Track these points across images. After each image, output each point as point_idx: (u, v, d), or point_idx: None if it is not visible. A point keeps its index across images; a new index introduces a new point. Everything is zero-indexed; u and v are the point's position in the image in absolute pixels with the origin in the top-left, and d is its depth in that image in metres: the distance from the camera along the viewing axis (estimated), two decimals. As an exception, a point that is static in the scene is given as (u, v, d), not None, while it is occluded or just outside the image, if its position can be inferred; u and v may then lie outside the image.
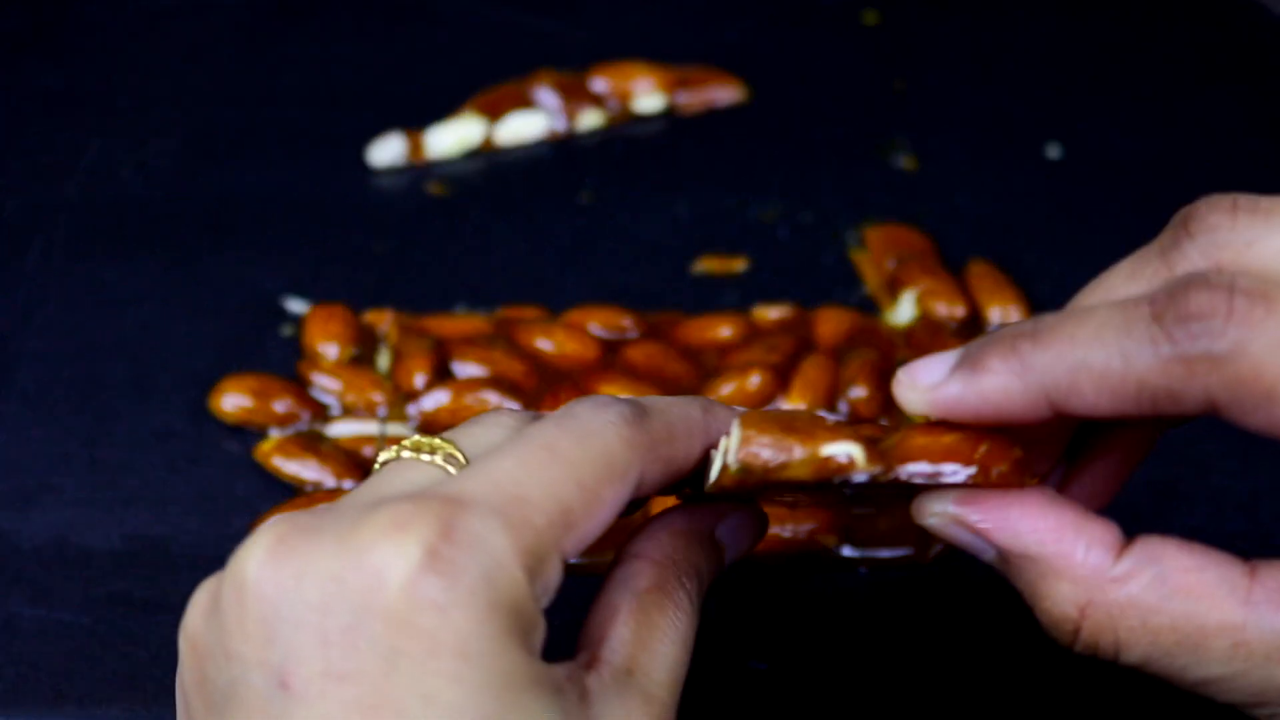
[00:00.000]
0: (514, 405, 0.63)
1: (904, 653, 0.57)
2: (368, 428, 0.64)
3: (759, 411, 0.44)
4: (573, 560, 0.42)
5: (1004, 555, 0.44)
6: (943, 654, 0.57)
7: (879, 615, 0.58)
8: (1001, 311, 0.68)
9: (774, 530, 0.59)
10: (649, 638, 0.44)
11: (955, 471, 0.43)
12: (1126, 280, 0.43)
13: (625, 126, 0.78)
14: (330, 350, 0.66)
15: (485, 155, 0.77)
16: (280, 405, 0.64)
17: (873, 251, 0.71)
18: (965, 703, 0.56)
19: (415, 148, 0.76)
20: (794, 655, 0.57)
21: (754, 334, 0.67)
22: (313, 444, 0.63)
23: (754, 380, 0.64)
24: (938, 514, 0.44)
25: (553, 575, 0.41)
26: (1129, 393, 0.41)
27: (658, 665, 0.44)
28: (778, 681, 0.56)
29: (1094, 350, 0.41)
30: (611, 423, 0.43)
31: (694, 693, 0.55)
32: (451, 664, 0.39)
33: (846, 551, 0.60)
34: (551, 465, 0.42)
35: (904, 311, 0.68)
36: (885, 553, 0.60)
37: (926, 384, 0.43)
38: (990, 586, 0.58)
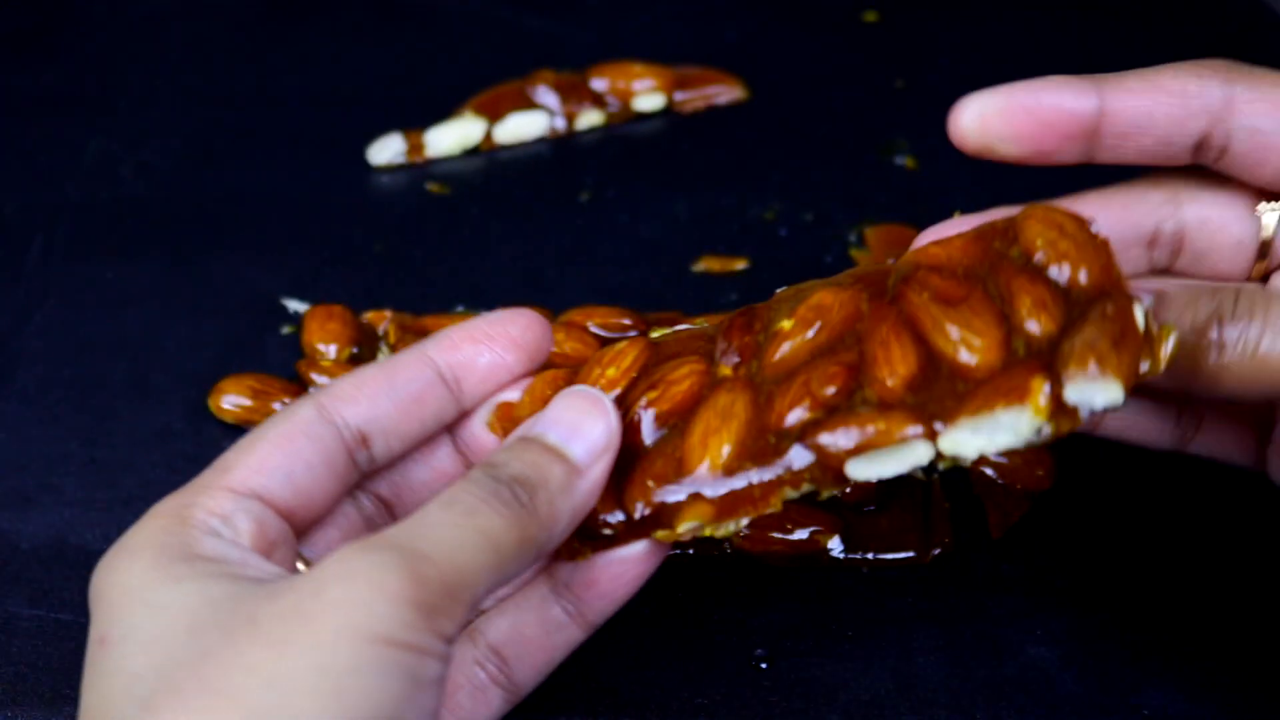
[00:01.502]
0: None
1: (903, 652, 0.57)
2: (367, 428, 0.64)
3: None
4: None
5: None
6: (942, 654, 0.57)
7: (879, 615, 0.58)
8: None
9: (775, 533, 0.60)
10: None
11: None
12: None
13: (625, 126, 0.78)
14: (330, 350, 0.66)
15: (485, 155, 0.77)
16: (280, 405, 0.64)
17: (873, 251, 0.71)
18: (965, 702, 0.56)
19: (415, 147, 0.76)
20: (795, 654, 0.57)
21: (754, 334, 0.67)
22: (312, 444, 0.63)
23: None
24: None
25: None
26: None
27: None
28: (778, 680, 0.56)
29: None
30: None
31: (696, 692, 0.56)
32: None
33: (846, 552, 0.60)
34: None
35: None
36: (886, 554, 0.60)
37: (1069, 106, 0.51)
38: (990, 587, 0.58)
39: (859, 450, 0.46)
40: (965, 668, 0.57)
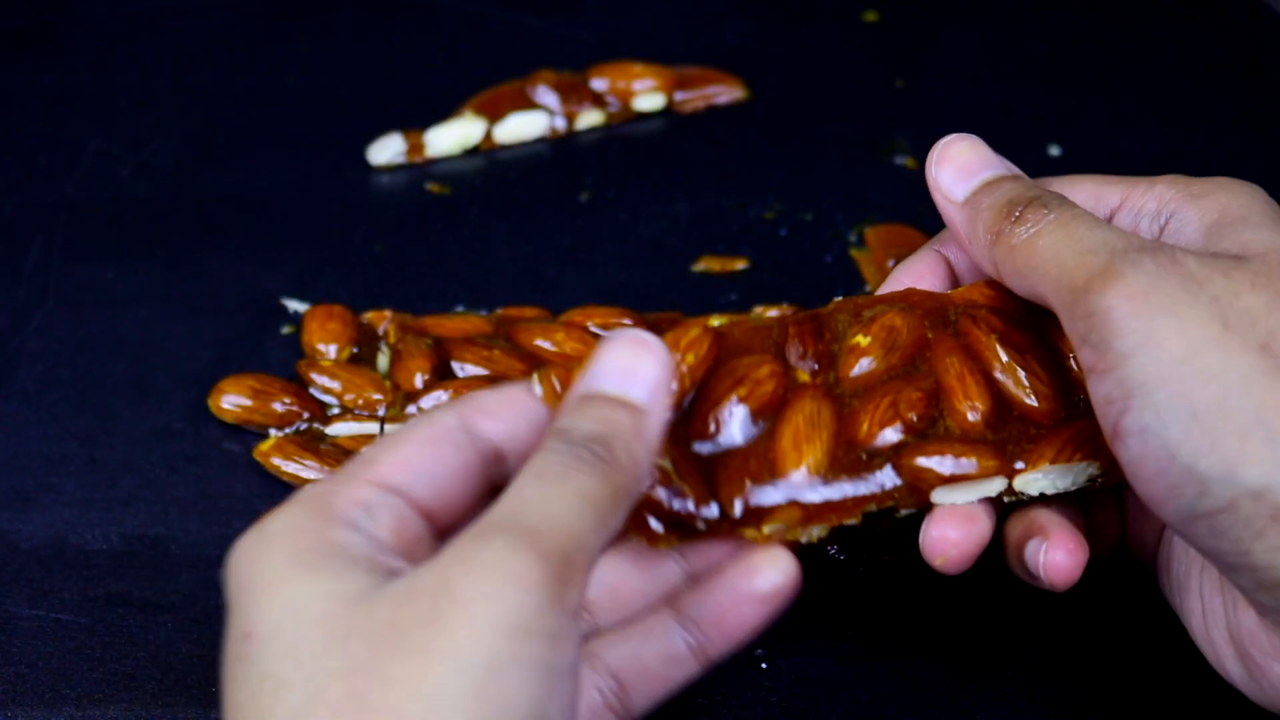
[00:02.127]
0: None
1: (904, 651, 0.57)
2: (367, 428, 0.64)
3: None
4: None
5: None
6: (942, 652, 0.57)
7: (879, 615, 0.58)
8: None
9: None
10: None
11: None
12: None
13: (625, 126, 0.78)
14: (330, 350, 0.66)
15: (485, 155, 0.77)
16: (280, 405, 0.64)
17: (873, 251, 0.71)
18: (965, 703, 0.56)
19: (415, 147, 0.76)
20: (795, 654, 0.57)
21: (754, 334, 0.67)
22: (312, 444, 0.63)
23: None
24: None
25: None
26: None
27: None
28: (778, 680, 0.56)
29: None
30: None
31: (696, 691, 0.55)
32: None
33: (846, 552, 0.60)
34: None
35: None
36: (886, 554, 0.60)
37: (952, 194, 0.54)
38: (990, 587, 0.58)
39: (951, 480, 0.50)
40: (965, 668, 0.57)
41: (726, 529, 0.49)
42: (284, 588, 0.44)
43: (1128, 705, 0.55)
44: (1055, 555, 0.50)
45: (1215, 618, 0.50)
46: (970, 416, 0.50)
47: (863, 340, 0.51)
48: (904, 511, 0.50)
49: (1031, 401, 0.51)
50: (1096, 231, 0.49)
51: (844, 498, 0.49)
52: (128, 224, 0.73)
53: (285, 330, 0.68)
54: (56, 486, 0.62)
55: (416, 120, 0.77)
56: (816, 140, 0.78)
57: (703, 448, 0.50)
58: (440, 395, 0.63)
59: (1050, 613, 0.58)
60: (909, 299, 0.53)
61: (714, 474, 0.49)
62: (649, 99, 0.78)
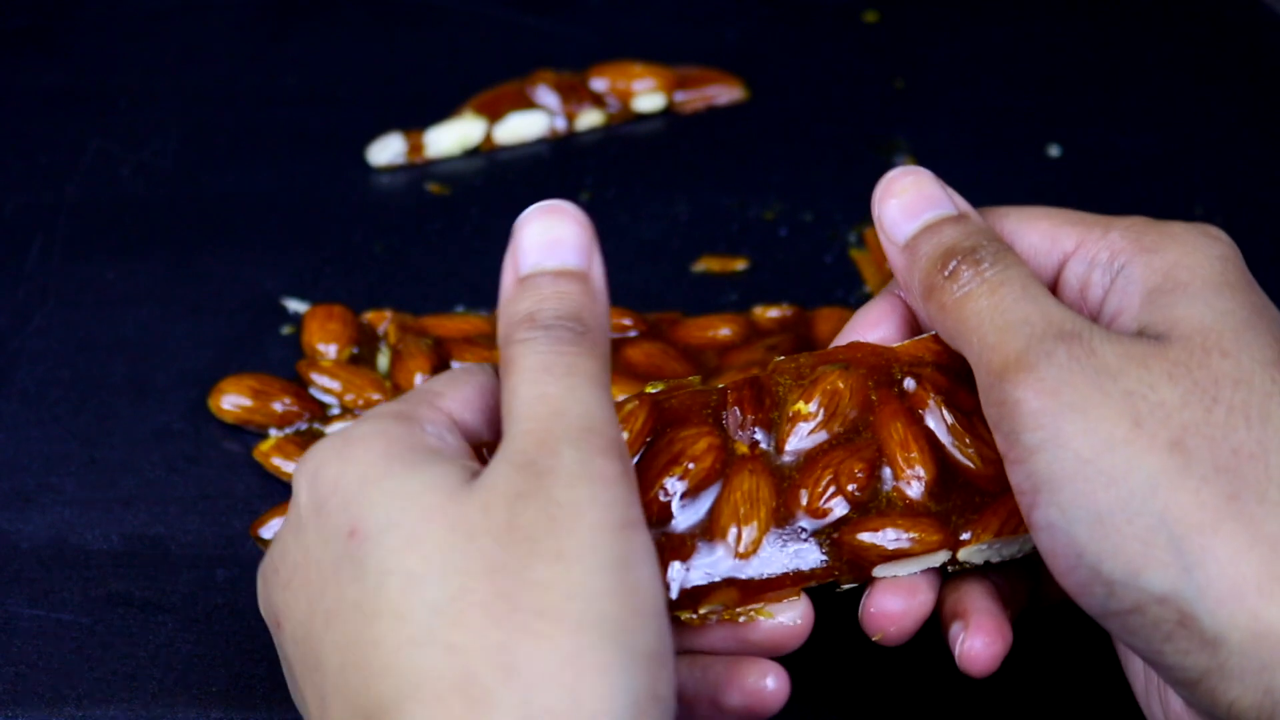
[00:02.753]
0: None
1: (904, 652, 0.57)
2: (367, 428, 0.64)
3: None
4: None
5: None
6: (942, 654, 0.57)
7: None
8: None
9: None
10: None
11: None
12: None
13: (625, 126, 0.78)
14: (330, 350, 0.66)
15: (485, 155, 0.77)
16: (280, 405, 0.64)
17: (873, 251, 0.71)
18: (965, 703, 0.56)
19: (415, 148, 0.76)
20: (795, 653, 0.57)
21: (754, 334, 0.67)
22: (312, 444, 0.63)
23: (754, 380, 0.64)
24: None
25: None
26: None
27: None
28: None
29: None
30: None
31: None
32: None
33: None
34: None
35: (904, 311, 0.68)
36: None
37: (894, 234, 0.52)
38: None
39: (894, 556, 0.49)
40: (965, 673, 0.57)
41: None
42: (385, 483, 0.44)
43: (1127, 699, 0.55)
44: (973, 643, 0.50)
45: (1152, 686, 0.50)
46: (912, 490, 0.49)
47: (803, 407, 0.50)
48: (846, 585, 0.50)
49: (976, 467, 0.49)
50: (1021, 305, 0.48)
51: (783, 574, 0.48)
52: (128, 224, 0.73)
53: (285, 330, 0.68)
54: (57, 486, 0.62)
55: (416, 120, 0.77)
56: (816, 140, 0.78)
57: None
58: (440, 395, 0.63)
59: (1049, 611, 0.58)
60: (853, 355, 0.51)
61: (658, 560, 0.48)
62: (649, 99, 0.78)
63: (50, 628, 0.57)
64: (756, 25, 0.83)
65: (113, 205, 0.73)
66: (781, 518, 0.49)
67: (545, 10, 0.83)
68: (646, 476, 0.49)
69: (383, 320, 0.67)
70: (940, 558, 0.49)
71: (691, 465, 0.49)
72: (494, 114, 0.77)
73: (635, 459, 0.49)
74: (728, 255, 0.72)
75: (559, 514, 0.43)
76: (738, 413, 0.50)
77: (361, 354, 0.66)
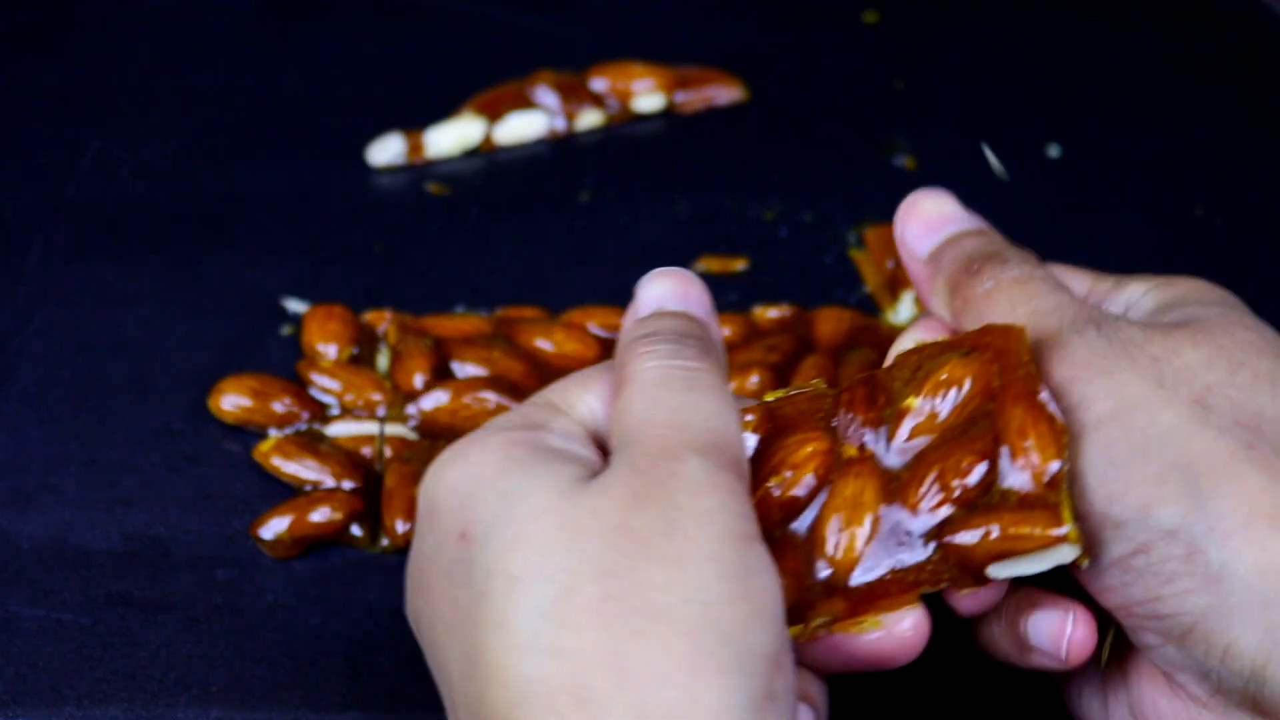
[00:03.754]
0: (514, 405, 0.63)
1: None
2: (367, 428, 0.64)
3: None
4: None
5: None
6: (942, 653, 0.57)
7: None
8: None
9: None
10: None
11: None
12: None
13: (625, 126, 0.78)
14: (330, 350, 0.66)
15: (485, 155, 0.77)
16: (280, 405, 0.64)
17: (873, 251, 0.71)
18: (964, 702, 0.56)
19: (415, 148, 0.76)
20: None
21: (754, 334, 0.67)
22: (312, 444, 0.63)
23: (754, 380, 0.64)
24: None
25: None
26: None
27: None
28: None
29: None
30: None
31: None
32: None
33: None
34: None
35: (904, 311, 0.68)
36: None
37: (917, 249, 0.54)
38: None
39: (1002, 555, 0.45)
40: (965, 667, 0.57)
41: None
42: (499, 483, 0.44)
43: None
44: (1080, 631, 0.48)
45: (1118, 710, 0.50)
46: (1030, 480, 0.45)
47: (913, 402, 0.47)
48: (967, 592, 0.47)
49: None
50: (1053, 295, 0.49)
51: (889, 581, 0.46)
52: (128, 224, 0.73)
53: (285, 330, 0.68)
54: (57, 486, 0.62)
55: (416, 120, 0.77)
56: (816, 140, 0.78)
57: None
58: (440, 395, 0.63)
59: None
60: (980, 341, 0.48)
61: None
62: (649, 99, 0.78)
63: (50, 628, 0.57)
64: (756, 25, 0.83)
65: (113, 205, 0.73)
66: (890, 523, 0.46)
67: (545, 10, 0.83)
68: (751, 486, 0.46)
69: (383, 320, 0.67)
70: (1066, 553, 0.45)
71: (789, 473, 0.47)
72: (494, 114, 0.77)
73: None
74: (728, 255, 0.72)
75: (680, 519, 0.42)
76: (848, 414, 0.48)
77: (361, 354, 0.66)
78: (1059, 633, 0.48)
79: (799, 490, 0.47)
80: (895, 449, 0.47)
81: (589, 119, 0.78)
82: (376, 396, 0.64)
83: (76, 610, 0.58)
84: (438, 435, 0.63)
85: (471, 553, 0.43)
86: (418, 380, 0.64)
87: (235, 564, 0.60)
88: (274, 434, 0.64)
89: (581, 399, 0.48)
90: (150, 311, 0.69)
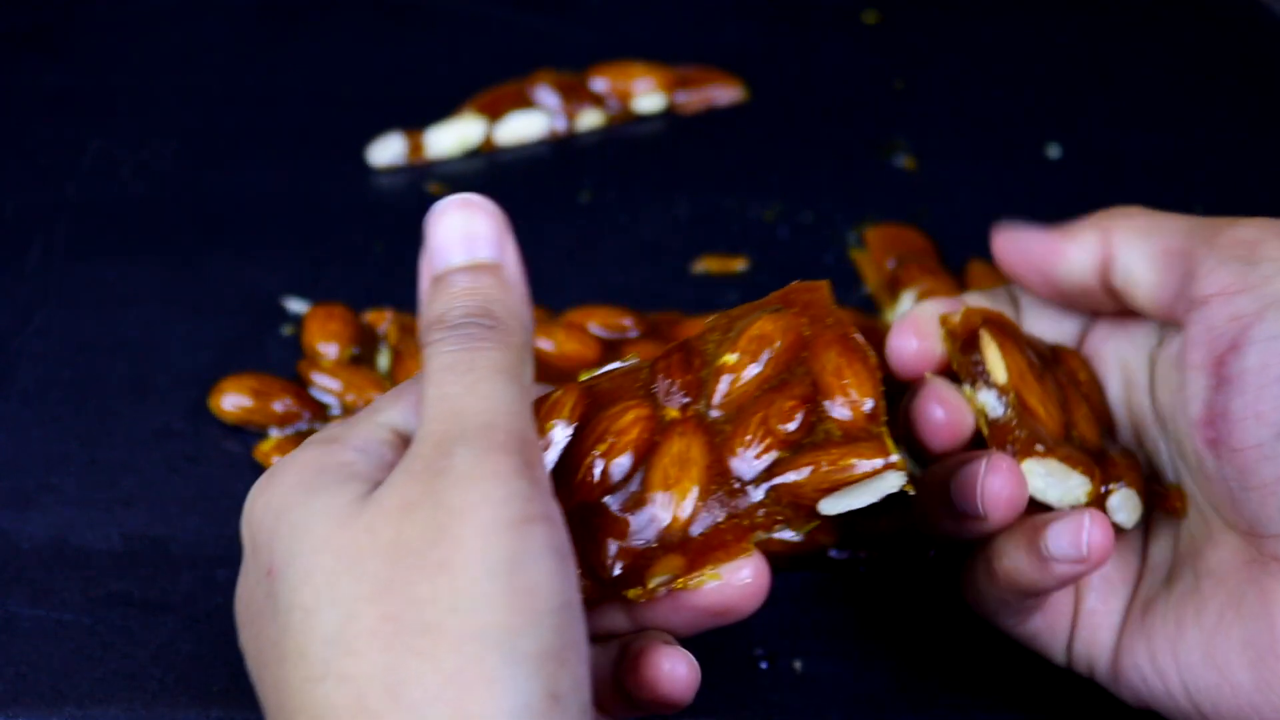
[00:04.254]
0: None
1: (903, 652, 0.57)
2: (368, 428, 0.64)
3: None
4: None
5: None
6: (942, 653, 0.57)
7: (879, 615, 0.58)
8: (1001, 311, 0.68)
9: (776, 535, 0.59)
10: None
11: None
12: None
13: (625, 126, 0.78)
14: (330, 350, 0.66)
15: (485, 155, 0.77)
16: (280, 405, 0.64)
17: (873, 251, 0.71)
18: (965, 702, 0.56)
19: (415, 148, 0.76)
20: (795, 654, 0.57)
21: (754, 334, 0.67)
22: (313, 444, 0.63)
23: (754, 380, 0.64)
24: None
25: None
26: None
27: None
28: (778, 680, 0.56)
29: None
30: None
31: (697, 689, 0.55)
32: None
33: (846, 552, 0.60)
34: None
35: (904, 311, 0.68)
36: (886, 554, 0.60)
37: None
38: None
39: (832, 488, 0.47)
40: (965, 667, 0.57)
41: (608, 593, 0.47)
42: (290, 516, 0.44)
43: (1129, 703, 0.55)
44: (1097, 531, 0.49)
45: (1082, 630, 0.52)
46: (850, 414, 0.47)
47: (729, 359, 0.48)
48: (805, 530, 0.48)
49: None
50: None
51: (720, 531, 0.47)
52: (128, 224, 0.73)
53: (285, 330, 0.68)
54: (57, 486, 0.62)
55: (416, 120, 0.77)
56: (816, 140, 0.78)
57: (572, 514, 0.46)
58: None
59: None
60: (786, 298, 0.49)
61: (586, 539, 0.47)
62: (649, 99, 0.78)
63: (50, 628, 0.58)
64: (756, 25, 0.83)
65: (113, 205, 0.73)
66: (717, 475, 0.47)
67: (545, 10, 0.83)
68: (576, 460, 0.47)
69: (383, 320, 0.67)
70: (891, 481, 0.47)
71: (614, 440, 0.47)
72: (494, 114, 0.77)
73: (564, 446, 0.48)
74: (728, 255, 0.72)
75: (447, 521, 0.42)
76: (665, 380, 0.48)
77: (362, 354, 0.66)
78: (1078, 536, 0.49)
79: (625, 455, 0.47)
80: (716, 405, 0.48)
81: (589, 119, 0.78)
82: (377, 396, 0.64)
83: (76, 610, 0.58)
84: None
85: (275, 588, 0.44)
86: (418, 380, 0.64)
87: (235, 564, 0.59)
88: (275, 434, 0.64)
89: (393, 405, 0.48)
90: (150, 311, 0.69)
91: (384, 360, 0.66)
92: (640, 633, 0.48)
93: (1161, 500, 0.52)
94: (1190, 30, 0.83)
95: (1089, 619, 0.52)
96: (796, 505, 0.47)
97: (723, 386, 0.48)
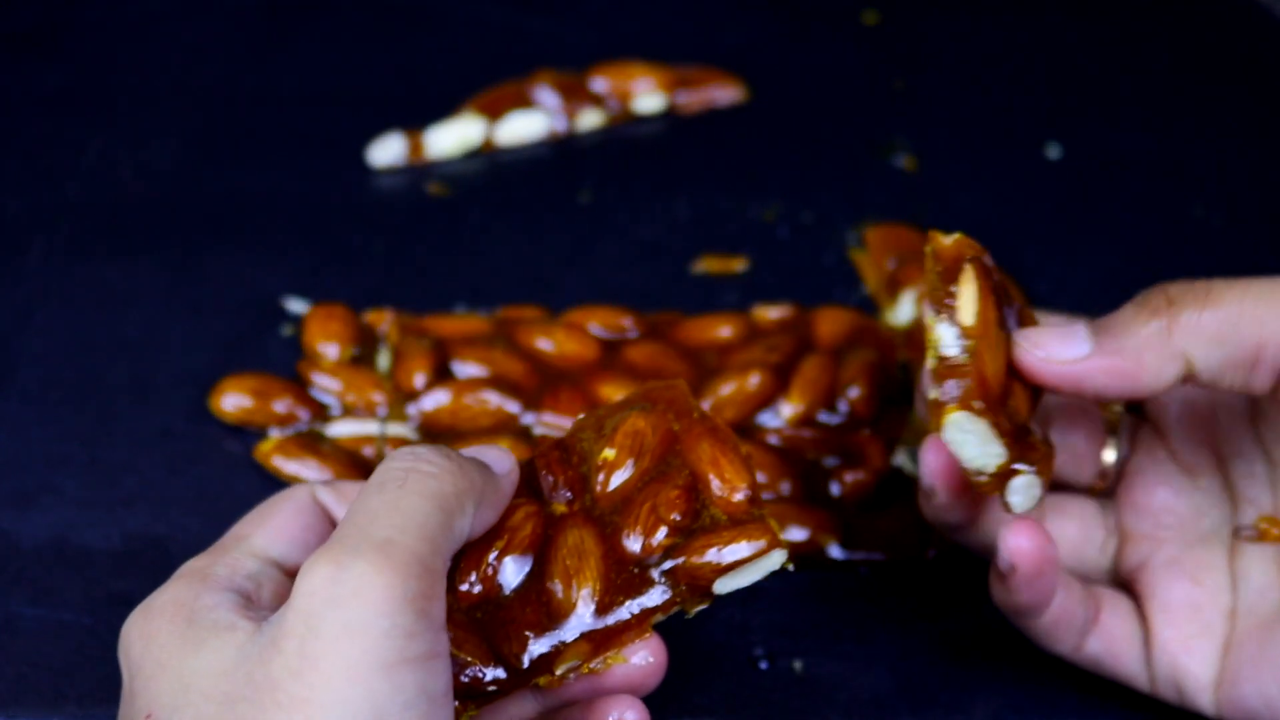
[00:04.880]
0: (514, 405, 0.63)
1: (903, 652, 0.57)
2: (368, 428, 0.64)
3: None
4: None
5: None
6: (942, 654, 0.57)
7: (879, 615, 0.58)
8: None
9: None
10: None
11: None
12: None
13: (625, 126, 0.78)
14: (330, 350, 0.66)
15: (485, 155, 0.77)
16: (280, 405, 0.64)
17: (873, 251, 0.71)
18: (965, 702, 0.56)
19: (415, 148, 0.76)
20: (795, 654, 0.57)
21: (754, 334, 0.67)
22: (313, 444, 0.63)
23: (754, 380, 0.64)
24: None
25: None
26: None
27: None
28: (778, 680, 0.56)
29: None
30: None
31: (696, 691, 0.56)
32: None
33: (846, 551, 0.60)
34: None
35: (904, 311, 0.68)
36: (886, 554, 0.60)
37: (1068, 357, 0.49)
38: (988, 585, 0.58)
39: (729, 568, 0.49)
40: (965, 667, 0.57)
41: (520, 683, 0.48)
42: (172, 665, 0.44)
43: (1125, 700, 0.55)
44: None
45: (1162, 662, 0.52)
46: (735, 499, 0.50)
47: (609, 454, 0.50)
48: (695, 610, 0.50)
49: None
50: None
51: (630, 617, 0.49)
52: (128, 224, 0.73)
53: (286, 330, 0.68)
54: (57, 486, 0.62)
55: (416, 120, 0.77)
56: (816, 140, 0.78)
57: (477, 609, 0.49)
58: (441, 395, 0.63)
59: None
60: (649, 397, 0.52)
61: (494, 632, 0.48)
62: (649, 99, 0.78)
63: (51, 628, 0.58)
64: (756, 25, 0.83)
65: (113, 205, 0.73)
66: (613, 563, 0.49)
67: (545, 10, 0.83)
68: (472, 558, 0.49)
69: (383, 320, 0.67)
70: (776, 559, 0.49)
71: (509, 536, 0.49)
72: (494, 114, 0.77)
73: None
74: (728, 255, 0.72)
75: (317, 649, 0.42)
76: (549, 477, 0.51)
77: (362, 354, 0.66)
78: (1004, 547, 0.50)
79: (521, 549, 0.49)
80: (601, 498, 0.50)
81: (589, 119, 0.78)
82: (377, 397, 0.64)
83: (77, 610, 0.58)
84: (438, 435, 0.63)
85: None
86: (418, 380, 0.64)
87: (236, 564, 0.60)
88: (275, 434, 0.64)
89: (261, 534, 0.48)
90: (150, 311, 0.69)
91: (384, 360, 0.66)
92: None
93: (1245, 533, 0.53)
94: (1190, 30, 0.83)
95: (1166, 645, 0.52)
96: (693, 586, 0.49)
97: (607, 479, 0.50)
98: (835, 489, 0.61)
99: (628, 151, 0.77)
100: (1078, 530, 0.55)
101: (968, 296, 0.50)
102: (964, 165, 0.76)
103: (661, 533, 0.49)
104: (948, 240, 0.51)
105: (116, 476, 0.62)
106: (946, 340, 0.50)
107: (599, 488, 0.50)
